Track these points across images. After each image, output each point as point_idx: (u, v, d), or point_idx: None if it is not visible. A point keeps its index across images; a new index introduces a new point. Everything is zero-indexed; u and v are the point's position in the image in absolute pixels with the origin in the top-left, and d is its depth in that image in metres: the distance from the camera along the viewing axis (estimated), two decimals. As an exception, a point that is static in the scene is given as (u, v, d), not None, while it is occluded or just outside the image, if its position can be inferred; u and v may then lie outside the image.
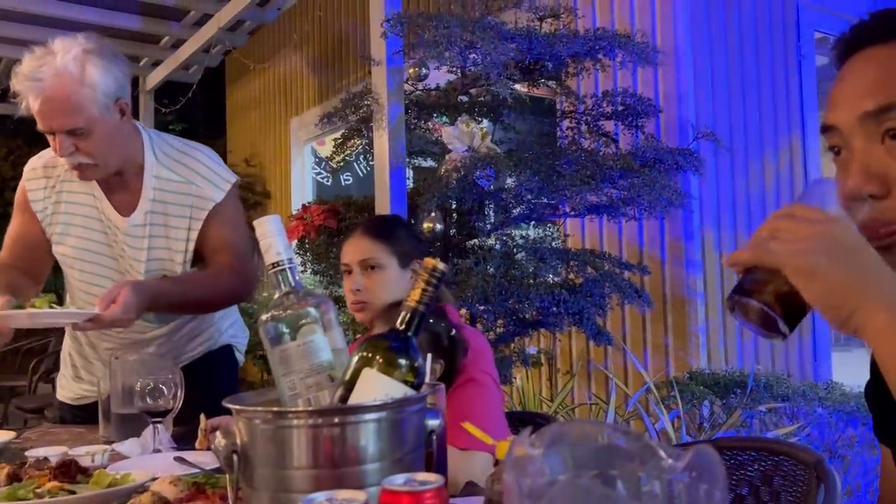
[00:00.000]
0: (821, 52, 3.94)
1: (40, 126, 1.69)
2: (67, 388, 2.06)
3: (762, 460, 1.57)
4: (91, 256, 1.87)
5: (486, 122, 3.14)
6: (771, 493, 1.52)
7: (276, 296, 0.96)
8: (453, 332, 1.48)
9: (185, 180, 1.83)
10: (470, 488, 1.23)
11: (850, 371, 3.42)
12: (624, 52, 2.70)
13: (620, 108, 2.84)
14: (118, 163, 1.78)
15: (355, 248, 1.68)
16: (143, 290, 1.67)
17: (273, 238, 0.96)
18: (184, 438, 1.67)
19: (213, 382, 1.75)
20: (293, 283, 0.95)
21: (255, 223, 0.97)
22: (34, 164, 1.90)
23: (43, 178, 1.87)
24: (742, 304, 0.73)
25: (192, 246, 1.84)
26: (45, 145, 1.83)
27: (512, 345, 2.97)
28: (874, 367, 0.99)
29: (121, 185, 1.83)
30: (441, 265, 0.91)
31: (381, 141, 2.95)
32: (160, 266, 1.84)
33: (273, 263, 0.95)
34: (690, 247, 3.19)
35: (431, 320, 1.47)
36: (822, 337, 3.58)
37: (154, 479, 1.24)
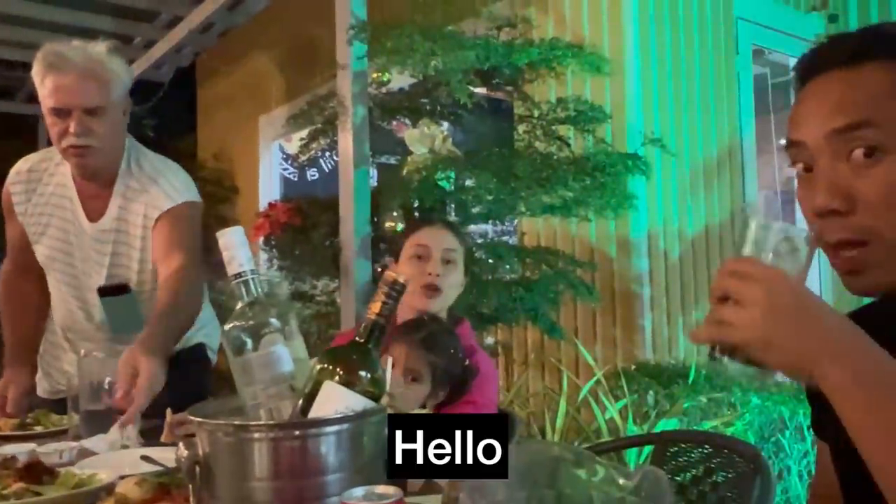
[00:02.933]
0: (757, 63, 4.00)
1: (58, 103, 1.67)
2: (40, 384, 2.02)
3: (703, 451, 1.58)
4: (63, 257, 1.85)
5: (446, 125, 3.12)
6: (711, 484, 1.54)
7: (239, 306, 0.92)
8: (466, 362, 1.44)
9: (142, 189, 1.79)
10: (428, 488, 1.21)
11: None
12: (576, 62, 2.70)
13: (573, 113, 2.84)
14: (113, 157, 1.77)
15: (440, 237, 1.60)
16: (154, 348, 1.52)
17: (235, 250, 0.92)
18: (151, 434, 1.62)
19: (183, 380, 1.70)
20: (256, 294, 0.92)
21: (218, 235, 0.93)
22: (18, 168, 1.89)
23: (25, 181, 1.86)
24: (724, 362, 0.71)
25: (146, 256, 1.80)
26: (22, 146, 1.82)
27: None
28: None
29: (93, 191, 1.80)
30: (402, 279, 0.89)
31: (346, 143, 2.90)
32: (118, 273, 1.81)
33: (236, 274, 0.92)
34: (638, 245, 3.21)
35: (451, 349, 1.43)
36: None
37: (122, 478, 1.19)
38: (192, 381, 1.87)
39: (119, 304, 1.80)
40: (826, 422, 0.96)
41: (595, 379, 2.74)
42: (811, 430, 1.02)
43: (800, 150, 0.81)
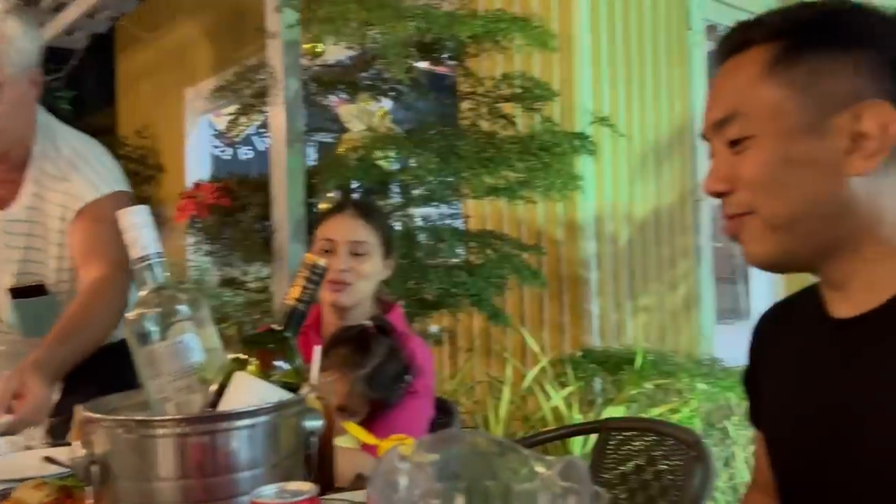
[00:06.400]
0: (711, 39, 4.08)
1: None
2: None
3: (647, 439, 1.62)
4: None
5: (386, 102, 3.08)
6: (654, 472, 1.57)
7: (144, 292, 0.89)
8: (409, 378, 1.45)
9: (62, 176, 1.63)
10: (359, 482, 1.21)
11: (732, 340, 3.59)
12: (522, 36, 2.69)
13: (519, 90, 2.84)
14: (20, 137, 1.61)
15: (346, 228, 1.57)
16: (47, 372, 1.39)
17: (139, 231, 0.89)
18: (60, 432, 1.57)
19: (110, 375, 1.63)
20: (162, 279, 0.89)
21: (119, 214, 0.90)
22: None
23: None
24: None
25: (66, 253, 1.65)
26: None
27: (414, 325, 2.96)
28: (750, 357, 1.03)
29: (2, 174, 1.64)
30: (322, 262, 0.87)
31: (277, 118, 2.85)
32: (32, 270, 1.66)
33: (140, 258, 0.89)
34: (585, 228, 3.25)
35: (398, 382, 1.43)
36: (707, 314, 3.74)
37: (22, 481, 1.15)
38: (119, 376, 1.77)
39: (33, 306, 1.66)
40: (760, 411, 1.00)
41: (540, 366, 2.77)
42: (748, 419, 1.06)
43: (707, 142, 0.89)
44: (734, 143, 0.82)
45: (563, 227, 3.29)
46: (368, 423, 1.40)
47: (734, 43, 0.85)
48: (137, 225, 0.89)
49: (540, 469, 0.57)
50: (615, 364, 2.80)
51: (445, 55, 2.91)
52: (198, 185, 2.99)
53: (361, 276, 1.55)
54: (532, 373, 2.77)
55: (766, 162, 0.80)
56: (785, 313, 1.00)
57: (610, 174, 3.35)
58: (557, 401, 2.59)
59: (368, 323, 1.51)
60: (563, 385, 2.69)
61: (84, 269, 1.59)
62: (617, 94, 3.42)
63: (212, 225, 2.93)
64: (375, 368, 1.42)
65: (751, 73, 0.81)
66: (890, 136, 0.77)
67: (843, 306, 0.84)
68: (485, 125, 2.84)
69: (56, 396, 1.54)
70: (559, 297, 3.27)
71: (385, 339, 1.48)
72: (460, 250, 2.87)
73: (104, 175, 1.64)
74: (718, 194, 0.85)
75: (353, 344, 1.45)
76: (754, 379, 1.02)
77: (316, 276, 0.88)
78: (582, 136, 2.75)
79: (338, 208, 1.66)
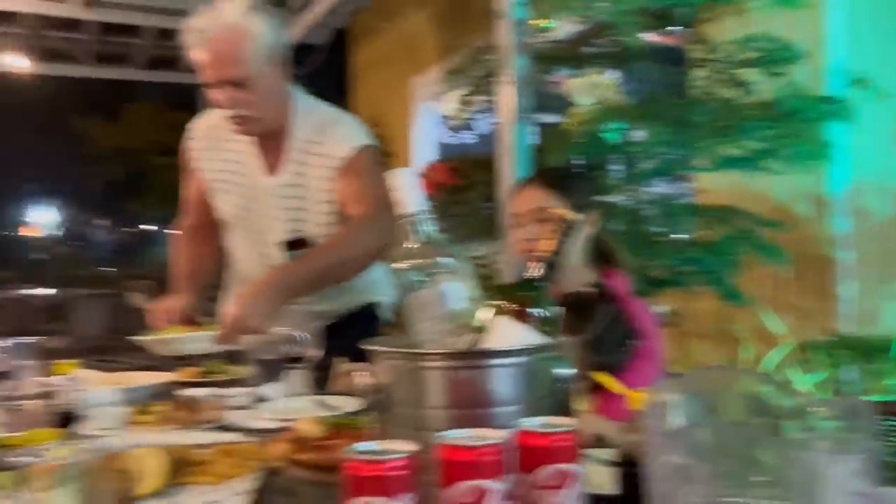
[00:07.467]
0: None
1: (206, 77, 1.79)
2: None
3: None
4: (245, 214, 1.98)
5: (613, 73, 3.05)
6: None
7: (411, 245, 1.00)
8: (631, 341, 1.48)
9: (319, 140, 1.89)
10: (598, 441, 1.24)
11: None
12: (764, -5, 2.54)
13: (761, 54, 2.67)
14: (275, 118, 1.88)
15: (528, 199, 1.65)
16: (277, 286, 1.68)
17: (408, 190, 1.00)
18: (318, 384, 1.78)
19: (351, 339, 1.83)
20: (429, 234, 0.99)
21: (389, 174, 1.01)
22: (198, 125, 2.03)
23: (205, 138, 2.00)
24: None
25: (330, 209, 1.89)
26: (188, 111, 1.96)
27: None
28: None
29: (270, 146, 1.92)
30: (571, 215, 0.93)
31: (506, 96, 2.94)
32: (299, 228, 1.91)
33: (408, 214, 1.00)
34: (835, 202, 3.00)
35: (611, 326, 1.48)
36: None
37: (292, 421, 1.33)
38: (359, 339, 1.97)
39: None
40: None
41: (784, 350, 2.61)
42: None
43: None
44: None
45: (808, 202, 3.05)
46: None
47: None
48: (406, 184, 1.00)
49: (814, 408, 0.57)
50: (867, 351, 2.57)
51: (677, 22, 2.82)
52: (431, 166, 3.18)
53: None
54: (774, 357, 2.62)
55: None
56: None
57: (870, 142, 3.04)
58: (802, 389, 2.43)
59: (588, 288, 1.53)
60: (810, 371, 2.52)
61: (350, 213, 1.84)
62: (884, 51, 3.09)
63: (443, 203, 3.10)
64: (598, 334, 1.44)
65: None
66: None
67: None
68: (722, 92, 2.71)
69: (320, 353, 1.76)
70: (801, 278, 3.04)
71: (606, 304, 1.50)
72: (691, 226, 2.78)
73: (354, 132, 1.90)
74: None
75: (573, 309, 1.48)
76: None
77: (567, 230, 0.93)
78: (832, 101, 2.53)
79: (522, 183, 1.71)
